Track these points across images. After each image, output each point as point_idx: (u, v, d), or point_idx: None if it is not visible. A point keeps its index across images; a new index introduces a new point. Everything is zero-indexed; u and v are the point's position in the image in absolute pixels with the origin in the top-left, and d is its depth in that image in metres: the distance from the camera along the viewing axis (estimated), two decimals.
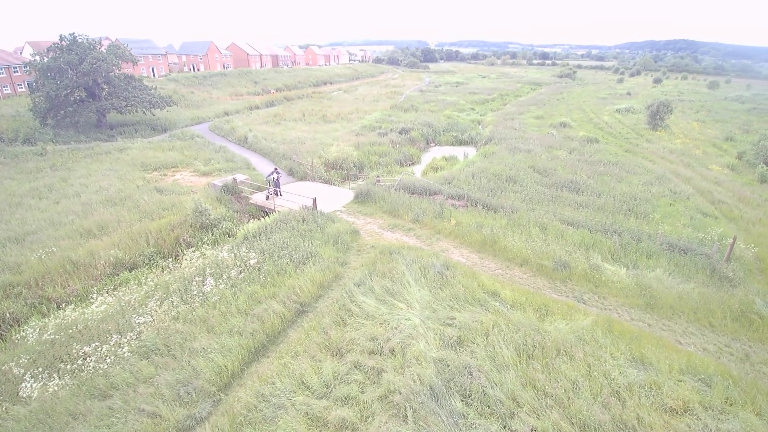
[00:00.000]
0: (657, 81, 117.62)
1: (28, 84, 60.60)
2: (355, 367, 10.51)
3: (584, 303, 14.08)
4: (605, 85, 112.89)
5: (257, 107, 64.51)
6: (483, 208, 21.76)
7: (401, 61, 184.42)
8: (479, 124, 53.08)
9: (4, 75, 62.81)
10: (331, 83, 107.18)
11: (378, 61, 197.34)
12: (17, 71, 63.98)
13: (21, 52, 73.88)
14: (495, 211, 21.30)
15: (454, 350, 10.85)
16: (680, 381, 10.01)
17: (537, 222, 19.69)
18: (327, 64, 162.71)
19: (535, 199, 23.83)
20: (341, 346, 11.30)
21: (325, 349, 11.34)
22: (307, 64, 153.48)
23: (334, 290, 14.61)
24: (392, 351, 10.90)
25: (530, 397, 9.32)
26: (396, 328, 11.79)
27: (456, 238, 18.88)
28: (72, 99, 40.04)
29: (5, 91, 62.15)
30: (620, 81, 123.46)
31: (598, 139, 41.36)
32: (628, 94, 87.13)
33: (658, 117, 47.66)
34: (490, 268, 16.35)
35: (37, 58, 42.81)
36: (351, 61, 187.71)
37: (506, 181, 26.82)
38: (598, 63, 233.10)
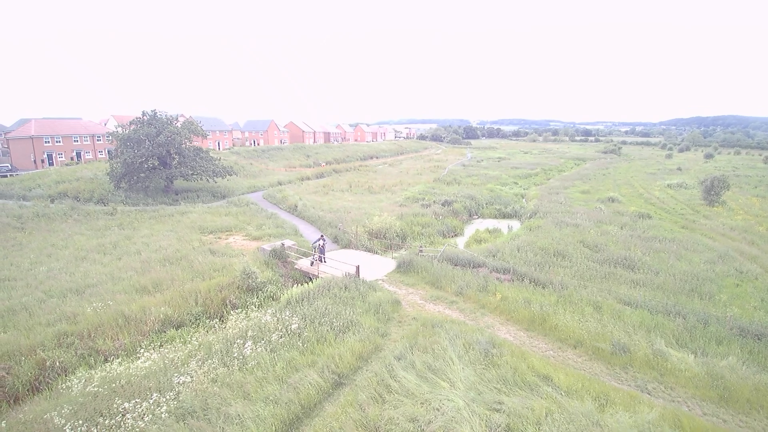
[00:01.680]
0: (708, 156, 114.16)
1: (108, 151, 68.86)
2: None
3: (648, 393, 12.62)
4: (653, 160, 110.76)
5: (308, 178, 68.51)
6: (530, 282, 20.89)
7: (444, 137, 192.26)
8: (523, 198, 52.87)
9: (88, 142, 72.02)
10: (377, 157, 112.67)
11: (422, 137, 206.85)
12: (100, 140, 73.32)
13: (106, 124, 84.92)
14: (543, 287, 20.35)
15: None
16: None
17: (590, 300, 18.51)
18: (374, 140, 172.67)
19: (586, 276, 22.69)
20: (379, 426, 10.60)
21: (362, 427, 10.68)
22: (356, 140, 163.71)
23: (374, 362, 14.07)
24: None
25: None
26: (438, 410, 10.99)
27: (502, 313, 18.03)
28: (146, 166, 44.58)
29: (87, 156, 70.90)
30: (669, 156, 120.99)
31: (651, 214, 39.78)
32: (679, 169, 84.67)
33: (713, 192, 45.63)
34: (540, 349, 15.25)
35: (119, 129, 48.85)
36: (396, 138, 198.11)
37: (554, 255, 25.92)
38: (644, 139, 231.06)
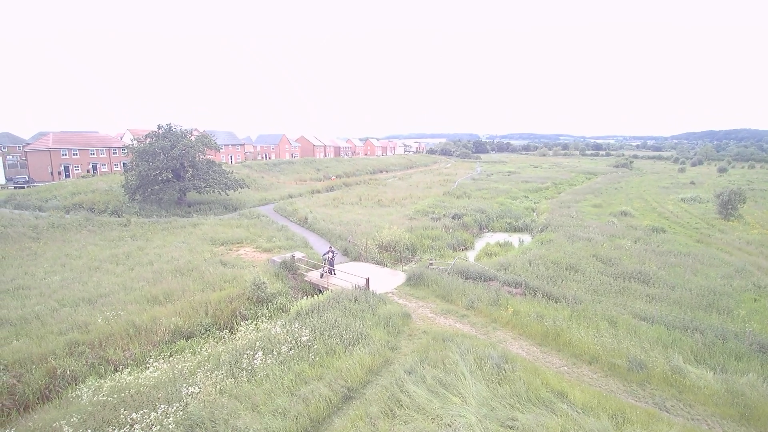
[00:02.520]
0: (722, 170, 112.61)
1: (123, 164, 70.36)
2: None
3: (667, 411, 12.23)
4: (666, 174, 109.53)
5: (318, 191, 68.87)
6: (543, 297, 20.55)
7: (453, 152, 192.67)
8: (533, 212, 52.45)
9: (104, 155, 73.71)
10: (386, 171, 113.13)
11: (431, 152, 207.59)
12: (116, 153, 75.04)
13: (122, 137, 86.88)
14: (556, 301, 19.99)
15: None
16: None
17: (605, 315, 18.14)
18: (384, 154, 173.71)
19: (600, 290, 22.30)
20: None
21: None
22: (366, 154, 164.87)
23: (384, 376, 13.88)
24: None
25: None
26: (449, 426, 10.74)
27: (514, 328, 17.72)
28: (160, 179, 45.32)
29: (103, 169, 72.47)
30: (682, 170, 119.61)
31: (665, 228, 39.21)
32: (692, 183, 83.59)
33: (730, 206, 44.93)
34: (554, 364, 14.90)
35: (135, 142, 49.89)
36: (406, 152, 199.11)
37: (566, 269, 25.53)
38: (656, 153, 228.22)
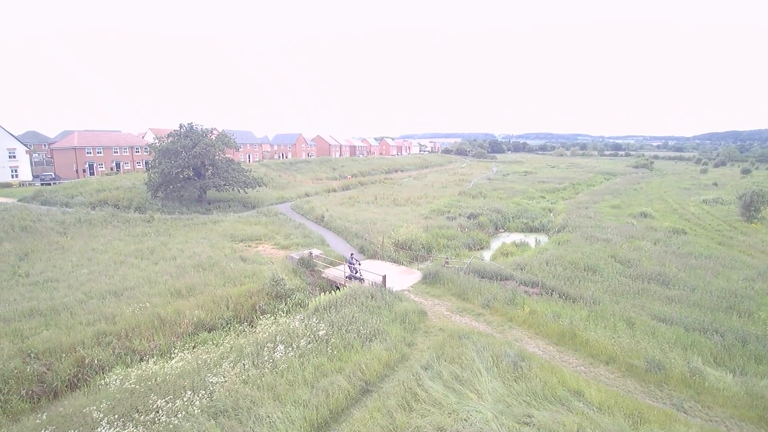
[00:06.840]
0: (746, 171, 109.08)
1: (145, 162, 72.26)
2: None
3: (685, 412, 12.22)
4: (687, 175, 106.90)
5: (334, 190, 69.35)
6: (559, 297, 20.54)
7: (469, 151, 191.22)
8: (550, 212, 51.96)
9: (127, 154, 75.77)
10: (402, 171, 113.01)
11: (447, 151, 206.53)
12: (139, 151, 77.09)
13: (144, 136, 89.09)
14: (573, 301, 19.97)
15: None
16: None
17: (623, 315, 18.07)
18: (399, 154, 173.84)
19: (618, 291, 22.14)
20: None
21: None
22: (381, 153, 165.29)
23: (400, 371, 14.14)
24: None
25: None
26: (466, 420, 10.93)
27: (530, 327, 17.79)
28: (181, 176, 46.38)
29: (126, 167, 74.52)
30: (704, 171, 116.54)
31: (686, 230, 38.51)
32: (715, 184, 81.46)
33: (752, 208, 43.79)
34: (570, 364, 14.94)
35: (157, 141, 51.21)
36: (421, 152, 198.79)
37: (584, 270, 25.36)
38: (677, 154, 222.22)
